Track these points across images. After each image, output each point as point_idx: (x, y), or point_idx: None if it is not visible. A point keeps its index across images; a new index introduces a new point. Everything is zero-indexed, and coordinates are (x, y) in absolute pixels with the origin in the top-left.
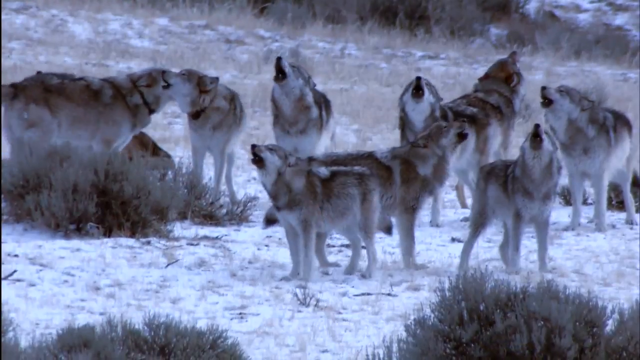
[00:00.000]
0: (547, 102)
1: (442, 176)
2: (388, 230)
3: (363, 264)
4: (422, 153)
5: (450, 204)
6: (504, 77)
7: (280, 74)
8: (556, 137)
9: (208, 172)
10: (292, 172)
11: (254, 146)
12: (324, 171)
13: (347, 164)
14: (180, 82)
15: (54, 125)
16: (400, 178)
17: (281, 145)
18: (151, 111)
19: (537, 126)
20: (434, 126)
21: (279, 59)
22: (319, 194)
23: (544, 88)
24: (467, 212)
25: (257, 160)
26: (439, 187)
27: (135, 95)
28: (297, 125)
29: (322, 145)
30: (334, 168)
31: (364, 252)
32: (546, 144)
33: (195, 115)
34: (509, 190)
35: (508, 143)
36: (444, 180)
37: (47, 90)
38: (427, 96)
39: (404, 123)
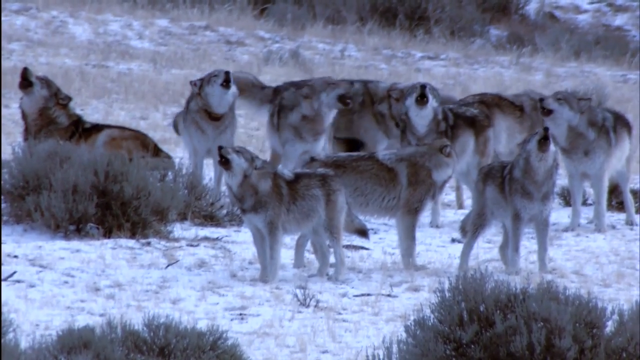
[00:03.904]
0: (546, 111)
1: (446, 182)
2: (363, 233)
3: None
4: (445, 161)
5: (450, 204)
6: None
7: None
8: (556, 143)
9: (208, 173)
10: (258, 175)
11: (220, 148)
12: (288, 173)
13: (347, 165)
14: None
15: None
16: (407, 180)
17: (291, 150)
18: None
19: (546, 129)
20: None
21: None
22: (284, 196)
23: (541, 99)
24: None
25: (224, 161)
26: (441, 191)
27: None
28: (315, 130)
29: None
30: (298, 170)
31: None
32: (552, 145)
33: (219, 118)
34: (506, 192)
35: None
36: (445, 185)
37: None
38: (431, 102)
39: (406, 126)
